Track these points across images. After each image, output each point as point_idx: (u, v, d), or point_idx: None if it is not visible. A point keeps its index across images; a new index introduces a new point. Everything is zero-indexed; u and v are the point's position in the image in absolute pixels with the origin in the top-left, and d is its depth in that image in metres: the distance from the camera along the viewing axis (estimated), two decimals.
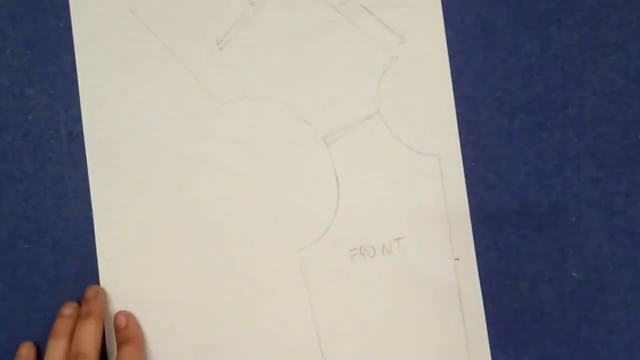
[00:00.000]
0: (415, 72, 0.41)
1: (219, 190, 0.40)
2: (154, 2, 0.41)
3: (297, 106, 0.41)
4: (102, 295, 0.40)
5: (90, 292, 0.40)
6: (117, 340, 0.39)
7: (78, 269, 0.41)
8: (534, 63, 0.41)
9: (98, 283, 0.40)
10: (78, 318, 0.39)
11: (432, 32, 0.41)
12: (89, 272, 0.41)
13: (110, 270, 0.40)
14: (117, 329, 0.39)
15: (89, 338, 0.38)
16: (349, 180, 0.40)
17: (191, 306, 0.40)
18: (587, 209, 0.41)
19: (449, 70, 0.41)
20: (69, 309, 0.40)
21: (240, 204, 0.40)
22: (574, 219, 0.41)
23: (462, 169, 0.40)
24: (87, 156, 0.41)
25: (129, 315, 0.40)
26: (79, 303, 0.40)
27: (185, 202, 0.40)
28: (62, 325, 0.39)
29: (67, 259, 0.41)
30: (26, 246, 0.41)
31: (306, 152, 0.40)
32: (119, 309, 0.40)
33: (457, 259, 0.40)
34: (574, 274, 0.41)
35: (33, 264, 0.41)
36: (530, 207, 0.41)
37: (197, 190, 0.40)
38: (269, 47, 0.41)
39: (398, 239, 0.40)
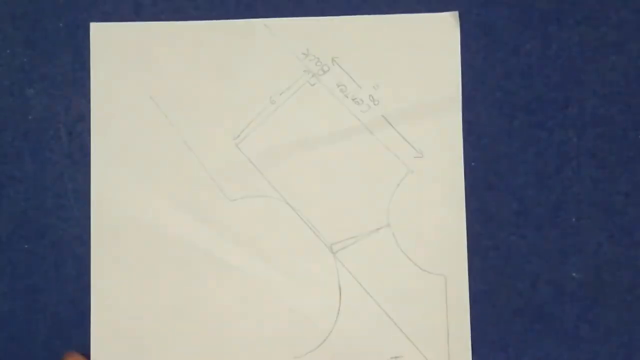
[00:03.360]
0: (429, 189, 0.40)
1: (220, 287, 0.40)
2: (175, 91, 0.41)
3: (307, 211, 0.40)
4: None
5: None
6: None
7: (78, 269, 0.41)
8: (534, 63, 0.41)
9: None
10: None
11: (449, 149, 0.40)
12: (89, 273, 0.41)
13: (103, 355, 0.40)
14: None
15: None
16: (351, 291, 0.40)
17: None
18: (587, 209, 0.41)
19: (463, 190, 0.40)
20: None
21: (240, 304, 0.40)
22: (574, 219, 0.41)
23: (468, 293, 0.40)
24: (92, 237, 0.40)
25: None
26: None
27: (184, 295, 0.40)
28: None
29: (67, 259, 0.41)
30: (26, 246, 0.41)
31: (312, 259, 0.40)
32: None
33: None
34: (574, 274, 0.41)
35: (33, 264, 0.41)
36: (530, 207, 0.41)
37: (198, 285, 0.40)
38: (285, 147, 0.40)
39: (396, 357, 0.39)
